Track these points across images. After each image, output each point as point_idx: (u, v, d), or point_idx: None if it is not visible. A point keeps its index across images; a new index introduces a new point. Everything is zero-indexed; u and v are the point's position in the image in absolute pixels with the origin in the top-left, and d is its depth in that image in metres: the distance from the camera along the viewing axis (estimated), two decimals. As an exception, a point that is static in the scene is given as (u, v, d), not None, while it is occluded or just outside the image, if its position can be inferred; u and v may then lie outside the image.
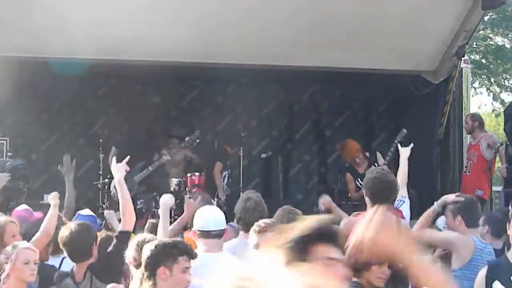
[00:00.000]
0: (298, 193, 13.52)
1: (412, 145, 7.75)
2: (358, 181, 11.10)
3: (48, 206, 10.09)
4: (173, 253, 4.47)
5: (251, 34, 10.51)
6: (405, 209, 6.83)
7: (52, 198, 8.26)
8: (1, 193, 9.03)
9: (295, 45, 10.95)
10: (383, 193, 6.17)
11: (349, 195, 11.32)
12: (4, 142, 11.94)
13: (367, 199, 6.27)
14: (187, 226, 6.93)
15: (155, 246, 4.50)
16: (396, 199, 6.71)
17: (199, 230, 5.54)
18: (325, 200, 8.00)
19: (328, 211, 7.79)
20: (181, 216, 7.21)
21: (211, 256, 5.41)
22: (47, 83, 12.50)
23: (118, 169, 6.03)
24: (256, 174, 13.13)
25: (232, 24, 10.05)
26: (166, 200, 6.74)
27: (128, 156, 6.25)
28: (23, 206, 7.34)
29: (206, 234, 5.47)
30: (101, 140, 12.12)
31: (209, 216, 5.64)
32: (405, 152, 7.65)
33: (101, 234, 6.34)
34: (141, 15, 10.05)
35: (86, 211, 7.48)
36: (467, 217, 6.37)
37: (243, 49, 10.93)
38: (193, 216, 5.87)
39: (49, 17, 9.86)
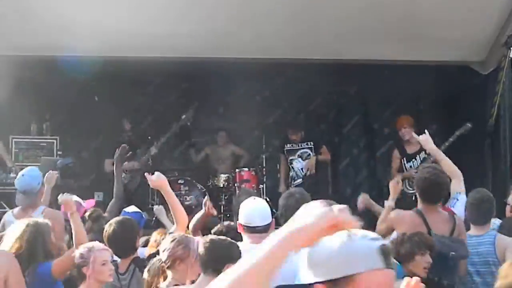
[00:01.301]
0: (347, 187, 13.46)
1: (426, 132, 7.70)
2: (404, 161, 11.01)
3: (99, 203, 10.28)
4: None
5: (296, 28, 10.47)
6: (458, 206, 6.82)
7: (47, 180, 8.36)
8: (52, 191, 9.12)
9: (341, 38, 10.89)
10: (433, 193, 6.39)
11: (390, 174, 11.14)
12: (54, 141, 12.08)
13: (418, 197, 6.49)
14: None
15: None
16: (451, 197, 6.79)
17: (244, 225, 5.52)
18: (363, 198, 7.99)
19: (367, 208, 7.78)
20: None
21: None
22: (94, 82, 12.60)
23: (158, 181, 6.06)
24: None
25: (277, 19, 10.01)
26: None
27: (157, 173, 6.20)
28: (73, 198, 7.42)
29: (251, 229, 5.45)
30: (149, 138, 12.19)
31: (255, 211, 5.58)
32: (424, 141, 7.62)
33: (160, 233, 6.44)
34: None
35: (132, 208, 7.52)
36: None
37: (289, 44, 10.91)
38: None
39: (87, 15, 9.95)
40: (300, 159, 11.65)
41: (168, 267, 5.12)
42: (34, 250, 5.63)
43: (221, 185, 11.76)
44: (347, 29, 10.60)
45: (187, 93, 13.24)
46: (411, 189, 10.75)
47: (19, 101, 12.16)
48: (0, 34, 10.41)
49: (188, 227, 6.71)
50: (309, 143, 11.75)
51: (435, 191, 6.40)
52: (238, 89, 13.54)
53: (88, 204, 7.44)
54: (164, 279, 5.16)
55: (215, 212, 7.31)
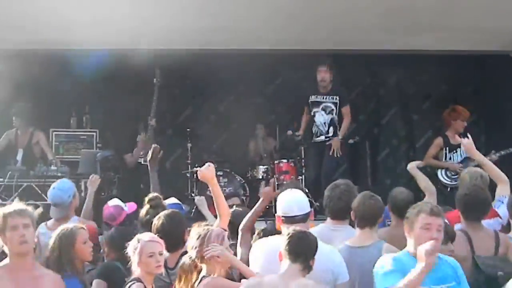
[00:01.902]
0: (386, 178, 13.39)
1: (469, 137, 7.61)
2: (446, 150, 10.88)
3: (143, 192, 10.32)
4: None
5: (334, 19, 10.42)
6: (503, 208, 6.70)
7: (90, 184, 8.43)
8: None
9: (379, 29, 10.82)
10: (476, 210, 6.29)
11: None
12: (94, 133, 12.16)
13: (461, 214, 6.39)
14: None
15: None
16: (495, 199, 6.70)
17: (283, 216, 5.50)
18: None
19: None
20: (256, 205, 7.07)
21: None
22: (132, 75, 12.65)
23: (208, 172, 6.02)
24: (344, 159, 13.03)
25: (314, 10, 9.96)
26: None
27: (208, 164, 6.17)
28: (114, 201, 7.40)
29: (290, 220, 5.41)
30: (188, 129, 12.22)
31: (292, 200, 5.54)
32: (467, 146, 7.54)
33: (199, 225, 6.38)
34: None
35: (172, 200, 7.53)
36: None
37: (327, 35, 10.86)
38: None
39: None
40: (323, 112, 11.38)
41: (200, 262, 5.20)
42: (58, 258, 5.59)
43: (260, 177, 11.75)
44: (386, 20, 10.53)
45: (223, 84, 13.24)
46: (448, 180, 10.65)
47: (59, 95, 12.29)
48: (36, 29, 10.47)
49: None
50: (334, 97, 11.40)
51: (478, 208, 6.30)
52: (277, 81, 13.54)
53: (130, 208, 7.42)
54: (198, 273, 5.21)
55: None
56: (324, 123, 11.35)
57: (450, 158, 10.83)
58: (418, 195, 7.62)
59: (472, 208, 6.27)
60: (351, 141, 12.68)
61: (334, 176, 10.52)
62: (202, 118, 13.01)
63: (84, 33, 10.40)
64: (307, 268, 4.96)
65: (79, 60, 11.58)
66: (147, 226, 6.34)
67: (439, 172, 10.78)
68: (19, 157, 11.26)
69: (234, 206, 7.42)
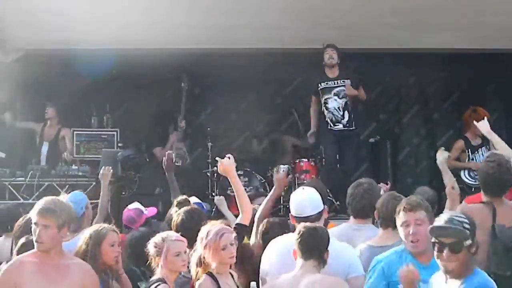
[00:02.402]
0: (407, 177, 13.34)
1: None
2: (468, 152, 10.81)
3: (159, 195, 10.33)
4: None
5: (354, 18, 10.40)
6: None
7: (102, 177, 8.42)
8: (112, 184, 9.20)
9: (399, 27, 10.81)
10: (497, 188, 6.23)
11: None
12: (115, 133, 12.18)
13: (482, 190, 6.35)
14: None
15: None
16: None
17: (296, 216, 5.51)
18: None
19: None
20: (270, 193, 7.05)
21: None
22: (152, 74, 12.69)
23: (229, 165, 6.00)
24: (364, 159, 13.01)
25: (334, 10, 9.94)
26: None
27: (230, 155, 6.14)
28: (134, 205, 7.41)
29: (304, 219, 5.41)
30: (208, 129, 12.23)
31: (305, 200, 5.55)
32: (481, 125, 7.66)
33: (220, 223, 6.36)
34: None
35: (193, 199, 7.54)
36: None
37: (347, 33, 10.84)
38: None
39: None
40: (336, 97, 10.98)
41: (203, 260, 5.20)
42: (84, 254, 5.56)
43: (281, 176, 11.70)
44: (407, 18, 10.50)
45: (243, 83, 13.24)
46: (472, 180, 10.59)
47: (79, 94, 12.34)
48: (57, 28, 10.52)
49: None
50: (345, 81, 11.02)
51: (499, 186, 6.26)
52: (295, 80, 13.53)
53: (150, 212, 7.43)
54: (204, 270, 5.20)
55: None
56: (338, 107, 10.93)
57: (472, 159, 10.77)
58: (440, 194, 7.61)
59: (492, 186, 6.24)
60: (371, 140, 12.69)
61: (355, 175, 10.49)
62: (222, 117, 13.01)
63: (105, 33, 10.45)
64: (322, 262, 5.01)
65: (100, 60, 11.62)
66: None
67: (462, 173, 10.72)
68: (44, 150, 11.33)
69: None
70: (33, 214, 4.94)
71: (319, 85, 11.03)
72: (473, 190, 10.43)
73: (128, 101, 13.10)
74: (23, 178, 10.11)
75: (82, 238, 5.66)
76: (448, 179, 7.23)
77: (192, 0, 10.02)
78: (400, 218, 5.18)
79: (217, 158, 6.13)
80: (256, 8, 10.17)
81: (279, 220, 6.56)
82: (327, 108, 10.96)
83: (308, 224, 5.18)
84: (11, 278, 4.81)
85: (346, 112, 10.93)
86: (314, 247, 5.02)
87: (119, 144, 11.92)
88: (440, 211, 6.46)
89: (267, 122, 13.14)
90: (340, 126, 10.83)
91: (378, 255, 5.36)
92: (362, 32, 10.91)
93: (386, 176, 12.39)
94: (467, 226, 4.42)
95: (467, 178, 10.70)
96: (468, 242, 4.40)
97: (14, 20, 10.24)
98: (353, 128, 11.01)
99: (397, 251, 5.22)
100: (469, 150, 10.80)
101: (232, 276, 5.25)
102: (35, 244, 4.92)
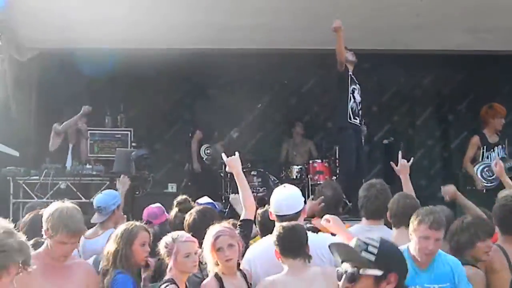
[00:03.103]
0: (421, 179, 13.30)
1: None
2: (484, 149, 10.74)
3: (172, 195, 10.34)
4: None
5: (370, 18, 10.38)
6: None
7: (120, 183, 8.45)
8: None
9: (415, 28, 10.78)
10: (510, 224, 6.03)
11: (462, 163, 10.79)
12: (129, 132, 12.21)
13: (497, 228, 6.08)
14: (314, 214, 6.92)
15: None
16: None
17: (274, 214, 5.52)
18: (449, 189, 7.72)
19: (452, 200, 7.58)
20: None
21: None
22: (167, 75, 12.73)
23: (234, 163, 6.01)
24: (378, 160, 12.99)
25: (349, 10, 9.92)
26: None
27: (237, 153, 6.16)
28: (157, 204, 7.43)
29: (281, 218, 5.41)
30: (216, 133, 12.28)
31: (283, 199, 5.52)
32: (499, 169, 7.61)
33: (229, 222, 6.35)
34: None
35: (205, 199, 7.53)
36: None
37: (361, 34, 10.83)
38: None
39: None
40: (359, 92, 10.51)
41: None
42: (115, 253, 5.51)
43: (294, 177, 11.73)
44: (421, 20, 10.48)
45: (258, 84, 13.26)
46: (485, 181, 10.53)
47: (94, 94, 12.38)
48: (71, 28, 10.56)
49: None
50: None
51: None
52: (310, 82, 13.54)
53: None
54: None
55: None
56: (359, 102, 10.54)
57: (487, 157, 10.69)
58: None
59: (508, 220, 6.01)
60: (385, 141, 12.66)
61: (368, 176, 10.43)
62: (236, 118, 13.00)
63: (117, 32, 10.47)
64: (307, 258, 5.02)
65: (114, 60, 11.67)
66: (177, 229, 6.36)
67: (475, 175, 10.67)
68: (69, 154, 11.33)
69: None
70: (61, 233, 4.89)
71: (349, 72, 10.41)
72: (484, 191, 10.39)
73: (142, 101, 13.13)
74: (37, 177, 10.13)
75: (112, 237, 5.55)
76: (471, 209, 7.05)
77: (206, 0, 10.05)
78: (421, 230, 5.14)
79: (222, 156, 6.14)
80: (258, 8, 10.17)
81: None
82: (354, 98, 10.45)
83: (285, 224, 5.16)
84: (19, 280, 4.80)
85: (361, 111, 10.74)
86: (298, 246, 5.03)
87: (133, 144, 11.95)
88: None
89: (282, 123, 13.16)
90: (357, 121, 10.47)
91: None
92: (376, 33, 10.89)
93: (399, 177, 12.36)
94: (371, 250, 3.54)
95: (480, 179, 10.63)
96: (370, 272, 3.48)
97: (27, 19, 10.28)
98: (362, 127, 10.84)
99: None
100: (485, 147, 10.70)
101: (244, 275, 5.23)
102: (61, 258, 4.95)
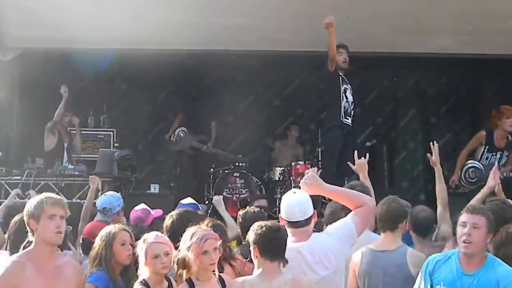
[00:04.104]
0: (403, 181, 13.37)
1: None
2: (485, 148, 10.53)
3: (155, 195, 10.32)
4: None
5: (353, 21, 10.39)
6: None
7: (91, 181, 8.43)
8: (109, 184, 9.18)
9: (399, 31, 10.80)
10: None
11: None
12: (111, 133, 12.19)
13: None
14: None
15: None
16: None
17: (286, 219, 5.39)
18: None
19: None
20: None
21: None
22: (152, 75, 12.71)
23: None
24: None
25: (331, 12, 9.92)
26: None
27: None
28: (141, 206, 7.42)
29: (293, 224, 5.30)
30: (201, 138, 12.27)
31: (294, 205, 5.39)
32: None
33: (208, 222, 6.32)
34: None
35: (188, 200, 7.53)
36: None
37: (345, 37, 10.84)
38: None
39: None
40: (351, 92, 10.47)
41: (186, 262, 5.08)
42: (97, 256, 5.51)
43: (277, 178, 11.72)
44: (405, 22, 10.50)
45: (240, 85, 13.26)
46: (466, 183, 10.49)
47: (76, 94, 12.33)
48: (52, 27, 10.51)
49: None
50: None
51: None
52: (298, 83, 13.56)
53: (157, 213, 7.43)
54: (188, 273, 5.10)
55: None
56: (352, 102, 10.48)
57: (487, 158, 10.63)
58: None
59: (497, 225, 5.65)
60: (368, 143, 12.68)
61: (351, 178, 10.42)
62: (219, 119, 12.99)
63: (101, 32, 10.44)
64: (284, 262, 4.95)
65: (96, 60, 11.63)
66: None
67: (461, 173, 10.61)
68: (65, 154, 11.25)
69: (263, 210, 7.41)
70: (46, 206, 4.82)
71: (339, 72, 10.33)
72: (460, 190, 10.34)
73: (125, 101, 13.10)
74: (19, 177, 10.09)
75: (96, 241, 5.59)
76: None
77: (193, 1, 10.03)
78: (460, 218, 5.10)
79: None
80: (255, 9, 10.18)
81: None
82: (346, 97, 10.40)
83: (270, 223, 5.11)
84: (12, 280, 4.71)
85: (353, 111, 10.66)
86: (278, 249, 4.98)
87: (116, 144, 11.93)
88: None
89: (265, 124, 13.16)
90: (349, 121, 10.38)
91: (381, 259, 5.37)
92: (359, 35, 10.89)
93: (382, 179, 12.42)
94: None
95: (462, 181, 10.58)
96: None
97: (11, 18, 10.23)
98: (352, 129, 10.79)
99: (447, 253, 5.21)
100: (487, 147, 10.62)
101: (221, 281, 5.14)
102: (54, 236, 4.83)
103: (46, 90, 11.98)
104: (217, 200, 8.21)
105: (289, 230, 5.26)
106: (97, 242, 5.51)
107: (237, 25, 10.61)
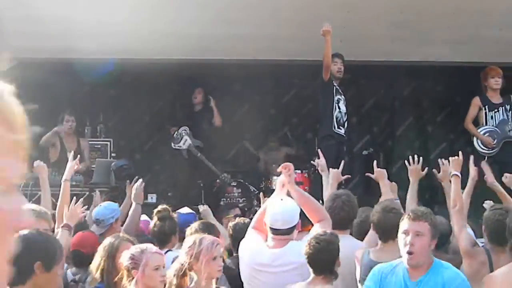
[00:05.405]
0: (400, 189, 13.30)
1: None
2: (485, 109, 10.71)
3: (152, 205, 10.31)
4: None
5: (348, 29, 10.41)
6: None
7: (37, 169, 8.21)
8: (106, 194, 9.16)
9: (395, 40, 10.82)
10: (503, 237, 5.69)
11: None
12: (108, 143, 12.18)
13: (485, 236, 6.00)
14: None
15: None
16: None
17: (269, 226, 5.46)
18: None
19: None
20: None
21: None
22: (148, 85, 12.72)
23: None
24: (357, 171, 13.01)
25: (327, 20, 9.94)
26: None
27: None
28: (143, 217, 7.40)
29: (275, 232, 5.41)
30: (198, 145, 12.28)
31: (278, 213, 5.45)
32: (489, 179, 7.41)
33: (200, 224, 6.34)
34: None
35: (185, 209, 7.54)
36: None
37: (341, 45, 10.86)
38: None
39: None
40: (344, 102, 10.58)
41: (189, 269, 4.95)
42: (99, 267, 5.38)
43: (274, 187, 11.69)
44: (400, 31, 10.53)
45: (237, 94, 13.27)
46: (486, 149, 10.51)
47: (73, 104, 12.33)
48: (49, 37, 10.52)
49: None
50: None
51: (505, 235, 5.65)
52: (291, 92, 13.56)
53: None
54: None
55: None
56: (345, 113, 10.56)
57: (492, 118, 10.66)
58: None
59: (501, 233, 5.67)
60: (365, 152, 12.67)
61: (347, 187, 10.43)
62: (215, 128, 13.00)
63: (98, 42, 10.46)
64: (334, 274, 4.97)
65: (93, 69, 11.63)
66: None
67: (475, 141, 10.65)
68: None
69: (237, 218, 7.44)
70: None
71: (333, 82, 10.45)
72: (486, 159, 10.36)
73: (122, 111, 13.10)
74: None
75: (98, 251, 5.38)
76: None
77: (189, 11, 10.04)
78: (401, 225, 4.92)
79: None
80: (251, 18, 10.20)
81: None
82: (339, 107, 10.48)
83: (321, 236, 5.12)
84: None
85: (347, 122, 10.73)
86: (326, 263, 5.03)
87: (113, 154, 11.91)
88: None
89: (261, 133, 13.16)
90: (342, 131, 10.49)
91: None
92: (356, 44, 10.92)
93: (378, 188, 12.38)
94: None
95: (480, 147, 10.59)
96: None
97: (6, 28, 10.23)
98: (346, 139, 10.86)
99: (393, 263, 5.05)
100: (487, 107, 10.66)
101: None
102: None
103: (43, 100, 11.95)
104: (205, 210, 8.18)
105: (270, 237, 5.32)
106: (99, 253, 5.30)
107: (233, 34, 10.63)
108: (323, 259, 5.00)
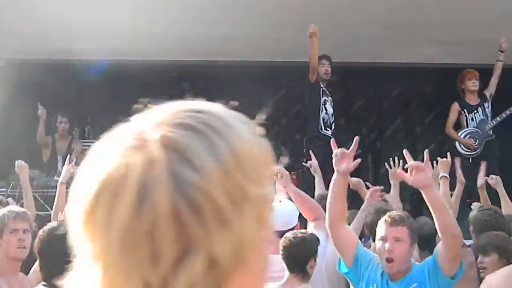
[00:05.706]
0: (388, 191, 13.35)
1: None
2: (465, 112, 10.79)
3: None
4: None
5: (337, 31, 10.43)
6: None
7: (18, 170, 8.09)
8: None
9: (384, 41, 10.83)
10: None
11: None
12: (97, 144, 12.13)
13: (473, 237, 6.06)
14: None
15: None
16: None
17: None
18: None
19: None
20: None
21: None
22: (136, 86, 12.70)
23: None
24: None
25: (317, 22, 9.95)
26: None
27: None
28: None
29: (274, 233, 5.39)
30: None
31: (278, 215, 5.39)
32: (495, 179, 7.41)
33: None
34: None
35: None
36: None
37: (329, 47, 10.87)
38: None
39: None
40: (331, 104, 10.63)
41: None
42: None
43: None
44: (389, 32, 10.54)
45: (225, 95, 13.25)
46: (468, 150, 10.57)
47: (60, 105, 12.30)
48: (40, 38, 10.49)
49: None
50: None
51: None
52: (282, 93, 13.57)
53: None
54: None
55: None
56: (332, 114, 10.61)
57: (472, 120, 10.79)
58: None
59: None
60: (353, 153, 12.67)
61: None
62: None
63: (88, 43, 10.43)
64: (307, 275, 4.94)
65: (82, 70, 11.61)
66: None
67: (457, 145, 10.73)
68: (59, 166, 11.10)
69: None
70: (8, 220, 4.72)
71: (320, 84, 10.50)
72: (470, 160, 10.43)
73: (110, 112, 13.05)
74: (4, 189, 10.02)
75: None
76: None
77: (185, 13, 10.03)
78: (379, 231, 4.73)
79: None
80: (241, 19, 10.20)
81: None
82: (326, 109, 10.53)
83: (292, 233, 5.15)
84: None
85: (334, 123, 10.75)
86: (298, 260, 5.03)
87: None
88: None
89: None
90: (329, 133, 10.46)
91: None
92: (345, 45, 10.93)
93: (366, 189, 12.40)
94: None
95: (462, 149, 10.68)
96: None
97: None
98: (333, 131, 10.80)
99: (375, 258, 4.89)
100: (466, 110, 10.81)
101: None
102: (17, 251, 4.73)
103: (30, 102, 11.93)
104: None
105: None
106: None
107: (222, 35, 10.62)
108: (296, 254, 4.93)
